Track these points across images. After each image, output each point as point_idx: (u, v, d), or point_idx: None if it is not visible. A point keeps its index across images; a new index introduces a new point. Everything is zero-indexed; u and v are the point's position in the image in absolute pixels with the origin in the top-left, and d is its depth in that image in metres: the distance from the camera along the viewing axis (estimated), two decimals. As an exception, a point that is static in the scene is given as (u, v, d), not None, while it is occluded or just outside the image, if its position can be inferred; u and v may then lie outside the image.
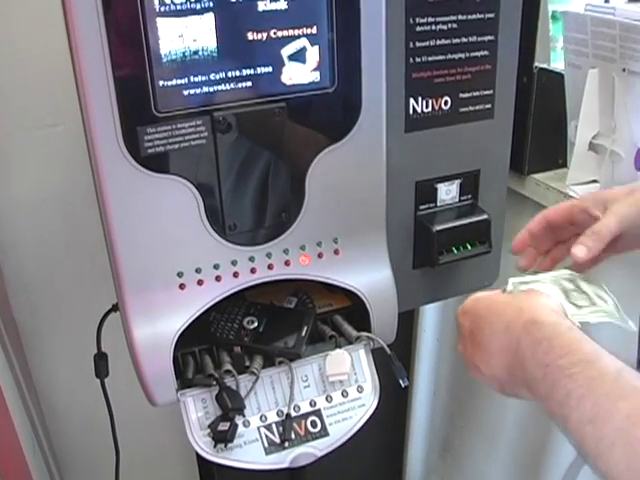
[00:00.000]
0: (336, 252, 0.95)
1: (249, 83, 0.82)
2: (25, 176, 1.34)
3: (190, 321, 0.89)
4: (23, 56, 1.24)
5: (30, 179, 1.34)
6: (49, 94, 1.26)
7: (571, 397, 0.54)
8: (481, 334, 0.69)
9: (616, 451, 0.50)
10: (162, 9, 0.75)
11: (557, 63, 1.26)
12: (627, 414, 0.50)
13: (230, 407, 0.89)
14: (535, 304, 0.66)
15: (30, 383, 1.49)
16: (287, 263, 0.93)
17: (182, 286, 0.88)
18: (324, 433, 0.94)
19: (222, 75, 0.80)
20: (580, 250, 0.75)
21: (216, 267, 0.89)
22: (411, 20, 0.95)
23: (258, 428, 0.92)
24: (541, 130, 1.24)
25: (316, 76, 0.85)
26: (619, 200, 0.78)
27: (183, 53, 0.77)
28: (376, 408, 0.97)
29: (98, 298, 1.08)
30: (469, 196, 1.11)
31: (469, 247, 1.09)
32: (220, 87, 0.80)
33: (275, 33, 0.81)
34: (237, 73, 0.81)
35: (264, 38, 0.80)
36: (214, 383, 0.90)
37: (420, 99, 1.00)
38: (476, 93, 1.04)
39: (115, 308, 1.01)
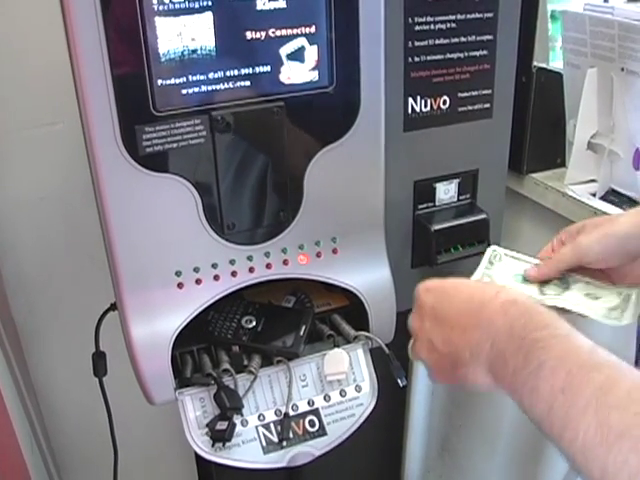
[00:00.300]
0: (334, 251, 0.95)
1: (248, 82, 0.82)
2: (24, 175, 1.33)
3: (188, 320, 0.89)
4: (22, 55, 1.24)
5: (29, 178, 1.34)
6: (48, 93, 1.26)
7: (544, 367, 0.55)
8: (446, 309, 0.68)
9: (587, 417, 0.50)
10: (160, 8, 0.75)
11: (556, 63, 1.26)
12: (600, 384, 0.51)
13: (228, 406, 0.89)
14: (513, 291, 0.67)
15: (28, 382, 1.49)
16: (285, 262, 0.93)
17: (180, 285, 0.88)
18: (322, 432, 0.94)
19: (221, 74, 0.80)
20: (532, 270, 0.84)
21: (214, 266, 0.89)
22: (410, 19, 0.95)
23: (256, 427, 0.92)
24: (540, 129, 1.24)
25: (315, 75, 0.85)
26: (585, 231, 0.82)
27: (182, 52, 0.77)
28: (374, 407, 0.97)
29: (96, 297, 1.08)
30: (467, 195, 1.12)
31: (467, 247, 1.09)
32: (219, 86, 0.80)
33: (274, 32, 0.81)
34: (235, 72, 0.81)
35: (263, 37, 0.80)
36: (212, 382, 0.90)
37: (419, 98, 1.00)
38: (475, 92, 1.04)
39: (113, 307, 1.01)
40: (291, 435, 0.93)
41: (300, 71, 0.84)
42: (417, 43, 0.96)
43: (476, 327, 0.64)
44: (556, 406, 0.53)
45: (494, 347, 0.61)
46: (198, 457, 0.92)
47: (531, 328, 0.58)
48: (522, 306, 0.62)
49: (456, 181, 1.09)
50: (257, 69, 0.82)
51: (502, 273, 0.87)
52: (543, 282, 0.84)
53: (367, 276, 0.98)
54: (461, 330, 0.65)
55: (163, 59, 0.77)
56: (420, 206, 1.08)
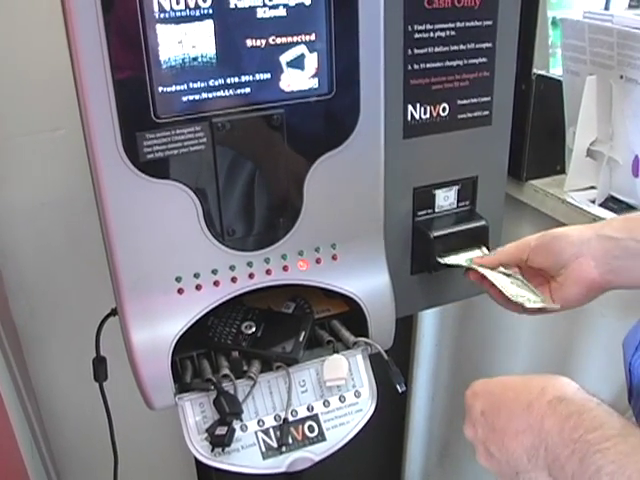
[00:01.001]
0: (334, 258, 0.96)
1: (248, 89, 0.82)
2: (25, 180, 1.34)
3: (188, 326, 0.89)
4: (23, 61, 1.25)
5: (30, 183, 1.34)
6: (49, 99, 1.27)
7: (602, 473, 0.52)
8: (496, 414, 0.66)
9: None
10: (162, 16, 0.75)
11: (557, 69, 1.27)
12: None
13: (228, 411, 0.89)
14: (559, 383, 0.63)
15: (29, 386, 1.49)
16: (285, 268, 0.93)
17: (180, 291, 0.88)
18: (321, 438, 0.94)
19: (221, 81, 0.80)
20: (477, 257, 1.01)
21: (214, 272, 0.89)
22: (409, 27, 0.95)
23: (255, 432, 0.92)
24: (539, 136, 1.25)
25: (314, 83, 0.85)
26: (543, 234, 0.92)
27: (182, 59, 0.78)
28: (374, 413, 0.97)
29: (97, 302, 1.08)
30: (467, 202, 1.12)
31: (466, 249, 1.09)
32: (219, 93, 0.81)
33: (274, 40, 0.81)
34: (236, 79, 0.81)
35: (263, 45, 0.81)
36: (212, 387, 0.90)
37: (418, 106, 1.00)
38: (474, 100, 1.04)
39: (114, 312, 1.02)
40: (290, 440, 0.93)
41: (300, 78, 0.84)
42: (416, 51, 0.97)
43: (527, 431, 0.61)
44: None
45: (549, 451, 0.58)
46: (198, 462, 0.92)
47: (582, 430, 0.56)
48: (571, 404, 0.59)
49: (455, 188, 1.10)
50: (257, 76, 0.82)
51: (461, 257, 1.05)
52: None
53: (367, 282, 0.98)
54: (513, 435, 0.62)
55: (164, 66, 0.77)
56: (419, 213, 1.08)
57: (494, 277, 0.95)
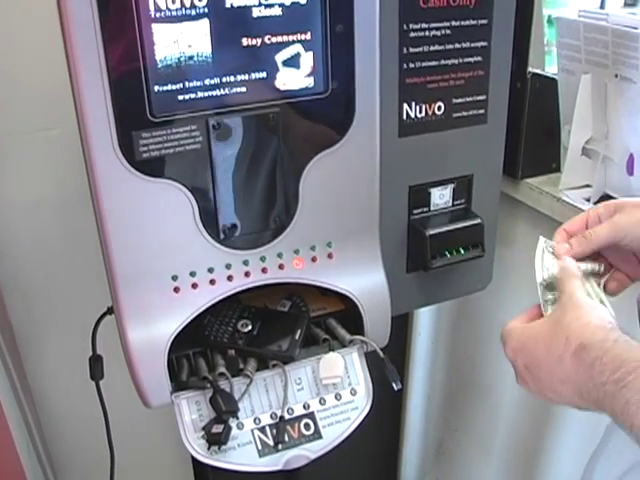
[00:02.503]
0: (330, 256, 0.96)
1: (243, 88, 0.83)
2: (21, 179, 1.34)
3: (185, 324, 0.90)
4: (19, 60, 1.24)
5: (26, 182, 1.34)
6: (45, 98, 1.27)
7: (630, 404, 0.56)
8: (538, 370, 0.69)
9: None
10: (157, 15, 0.75)
11: (553, 67, 1.27)
12: None
13: (224, 410, 0.90)
14: (579, 327, 0.65)
15: (25, 385, 1.49)
16: (281, 267, 0.94)
17: (177, 289, 0.89)
18: (317, 436, 0.95)
19: (217, 80, 0.81)
20: (562, 247, 0.78)
21: (210, 270, 0.90)
22: (405, 26, 0.95)
23: (252, 430, 0.93)
24: (535, 135, 1.25)
25: (310, 82, 0.86)
26: (625, 211, 0.78)
27: (178, 59, 0.78)
28: (370, 411, 0.97)
29: (94, 301, 1.09)
30: (462, 200, 1.12)
31: (462, 251, 1.09)
32: (215, 92, 0.81)
33: (269, 39, 0.81)
34: (232, 78, 0.81)
35: (258, 44, 0.81)
36: (208, 386, 0.91)
37: (414, 104, 1.00)
38: (469, 98, 1.04)
39: (110, 311, 1.02)
40: (287, 438, 0.93)
41: (296, 77, 0.85)
42: (412, 49, 0.97)
43: (567, 380, 0.65)
44: None
45: (590, 395, 0.62)
46: (194, 460, 0.93)
47: (608, 372, 0.59)
48: (591, 350, 0.62)
49: (451, 186, 1.10)
50: (253, 75, 0.82)
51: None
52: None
53: (362, 280, 0.99)
54: (559, 384, 0.66)
55: (160, 65, 0.77)
56: (415, 211, 1.09)
57: None
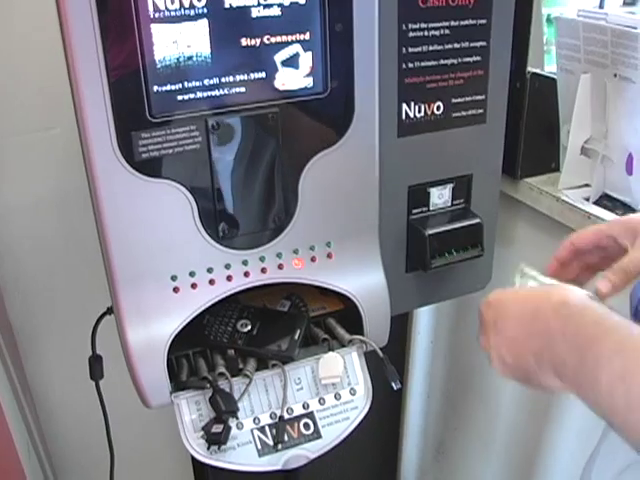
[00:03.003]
0: (329, 256, 0.96)
1: (243, 89, 0.83)
2: (20, 179, 1.34)
3: (184, 324, 0.90)
4: (18, 59, 1.25)
5: (25, 182, 1.34)
6: (44, 97, 1.27)
7: (601, 359, 0.55)
8: (507, 322, 0.69)
9: None
10: (156, 15, 0.75)
11: (552, 66, 1.27)
12: None
13: (223, 409, 0.90)
14: (563, 290, 0.66)
15: (25, 385, 1.49)
16: (280, 267, 0.94)
17: (176, 289, 0.89)
18: (317, 435, 0.95)
19: (216, 81, 0.81)
20: (605, 286, 0.73)
21: (210, 271, 0.90)
22: (404, 26, 0.95)
23: (251, 430, 0.93)
24: (534, 134, 1.25)
25: (309, 82, 0.86)
26: None
27: (177, 59, 0.78)
28: (369, 411, 0.98)
29: (93, 300, 1.09)
30: (461, 200, 1.12)
31: (461, 251, 1.09)
32: (214, 92, 0.81)
33: (268, 39, 0.82)
34: (231, 79, 0.82)
35: (257, 44, 0.81)
36: (208, 386, 0.91)
37: (413, 104, 1.00)
38: (468, 98, 1.04)
39: (110, 311, 1.02)
40: (286, 438, 0.93)
41: (295, 77, 0.85)
42: (411, 49, 0.97)
43: (534, 334, 0.64)
44: (616, 395, 0.53)
45: (553, 351, 0.62)
46: (194, 460, 0.93)
47: (584, 326, 0.59)
48: (575, 306, 0.62)
49: (450, 186, 1.10)
50: (252, 75, 0.83)
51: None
52: None
53: (362, 280, 0.99)
54: (522, 340, 0.66)
55: (159, 65, 0.77)
56: (414, 211, 1.09)
57: None
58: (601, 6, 1.36)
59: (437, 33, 0.98)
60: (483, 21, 1.00)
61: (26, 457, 1.35)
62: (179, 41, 0.77)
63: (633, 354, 0.53)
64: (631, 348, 0.54)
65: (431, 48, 0.98)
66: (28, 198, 1.35)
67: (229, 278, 0.91)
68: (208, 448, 0.90)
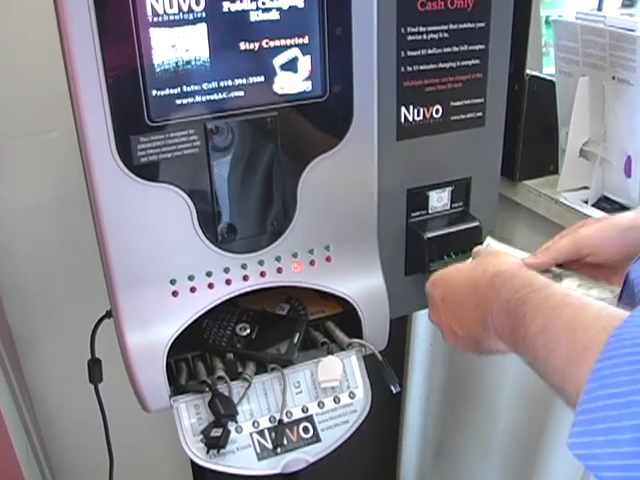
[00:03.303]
0: (328, 259, 0.96)
1: (241, 93, 0.83)
2: (19, 182, 1.34)
3: (183, 328, 0.90)
4: (17, 62, 1.24)
5: (24, 185, 1.34)
6: (43, 100, 1.27)
7: (526, 317, 0.59)
8: (453, 298, 0.75)
9: (561, 345, 0.53)
10: (155, 19, 0.75)
11: (550, 68, 1.27)
12: (571, 315, 0.54)
13: (223, 413, 0.90)
14: (498, 260, 0.73)
15: (24, 389, 1.49)
16: (279, 270, 0.94)
17: (175, 293, 0.89)
18: (316, 439, 0.95)
19: (214, 85, 0.81)
20: (530, 258, 0.81)
21: (209, 274, 0.90)
22: (402, 29, 0.95)
23: (251, 434, 0.93)
24: (532, 137, 1.25)
25: (308, 85, 0.86)
26: (586, 224, 0.81)
27: (176, 63, 0.78)
28: (368, 414, 0.97)
29: (92, 304, 1.08)
30: (460, 203, 1.12)
31: (461, 254, 1.09)
32: (213, 97, 0.81)
33: (267, 43, 0.82)
34: (229, 83, 0.81)
35: (256, 48, 0.81)
36: (207, 389, 0.91)
37: (411, 107, 1.01)
38: (467, 101, 1.04)
39: (109, 314, 1.02)
40: (285, 442, 0.93)
41: (293, 81, 0.85)
42: (410, 53, 0.97)
43: (477, 305, 0.70)
44: (539, 346, 0.57)
45: (494, 317, 0.66)
46: (193, 464, 0.93)
47: (513, 291, 0.63)
48: (505, 274, 0.68)
49: (449, 189, 1.10)
50: (251, 79, 0.83)
51: None
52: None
53: (361, 284, 0.99)
54: (468, 311, 0.72)
55: (157, 70, 0.77)
56: (413, 214, 1.09)
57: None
58: (599, 8, 1.36)
59: (436, 36, 0.98)
60: (482, 24, 1.01)
61: (25, 460, 1.35)
62: (178, 45, 0.77)
63: (551, 311, 0.57)
64: (550, 305, 0.58)
65: (430, 51, 0.98)
66: (27, 201, 1.35)
67: (228, 282, 0.91)
68: (207, 452, 0.90)
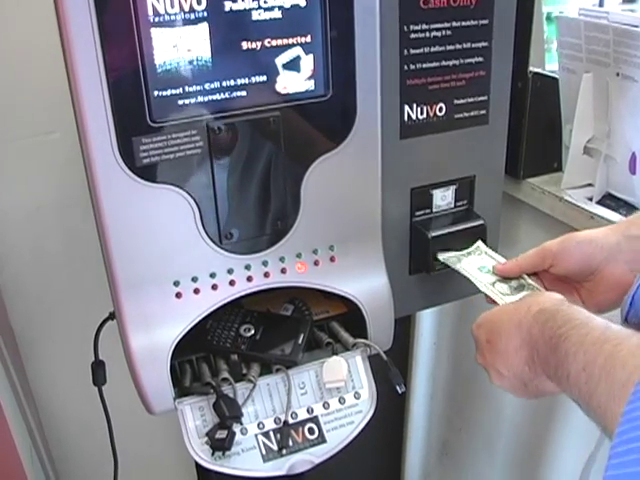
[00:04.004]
0: (332, 259, 0.96)
1: (244, 92, 0.82)
2: (20, 184, 1.34)
3: (187, 330, 0.89)
4: (18, 63, 1.24)
5: (25, 187, 1.34)
6: (44, 102, 1.26)
7: (569, 354, 0.60)
8: (497, 339, 0.74)
9: (601, 383, 0.54)
10: (156, 19, 0.75)
11: (552, 64, 1.26)
12: (609, 352, 0.55)
13: (227, 415, 0.89)
14: (542, 298, 0.72)
15: (28, 391, 1.49)
16: (283, 271, 0.93)
17: (179, 295, 0.88)
18: (322, 440, 0.94)
19: (217, 85, 0.80)
20: (499, 265, 0.94)
21: (212, 276, 0.89)
22: (405, 27, 0.95)
23: (256, 435, 0.92)
24: (536, 134, 1.24)
25: (311, 85, 0.85)
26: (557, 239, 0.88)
27: (177, 63, 0.77)
28: (373, 413, 0.97)
29: (95, 306, 1.08)
30: (464, 202, 1.12)
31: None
32: (215, 97, 0.81)
33: (269, 42, 0.81)
34: (232, 82, 0.81)
35: (258, 47, 0.81)
36: (211, 391, 0.90)
37: (415, 106, 1.00)
38: (471, 99, 1.04)
39: (112, 316, 1.01)
40: (291, 443, 0.93)
41: (296, 80, 0.84)
42: (412, 51, 0.96)
43: (522, 345, 0.70)
44: (581, 384, 0.57)
45: (540, 355, 0.67)
46: (198, 466, 0.92)
47: (556, 327, 0.64)
48: (548, 311, 0.67)
49: (453, 187, 1.09)
50: (253, 79, 0.82)
51: (471, 263, 0.99)
52: (502, 279, 0.92)
53: (365, 283, 0.98)
54: (513, 352, 0.71)
55: (159, 70, 0.77)
56: (417, 213, 1.08)
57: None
58: (601, 4, 1.35)
59: (439, 34, 0.97)
60: (485, 21, 1.00)
61: (29, 462, 1.35)
62: (179, 45, 0.77)
63: (592, 347, 0.57)
64: (590, 342, 0.58)
65: (433, 49, 0.98)
66: (29, 203, 1.35)
67: (232, 283, 0.91)
68: (212, 454, 0.89)
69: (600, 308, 0.86)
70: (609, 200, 1.19)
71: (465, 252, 1.03)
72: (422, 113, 1.01)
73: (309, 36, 0.83)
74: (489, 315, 0.78)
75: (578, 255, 0.86)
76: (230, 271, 0.90)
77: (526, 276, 0.91)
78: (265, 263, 0.92)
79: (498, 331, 0.74)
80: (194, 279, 0.88)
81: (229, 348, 0.94)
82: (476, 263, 0.99)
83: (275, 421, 0.93)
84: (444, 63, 0.99)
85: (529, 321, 0.69)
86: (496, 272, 0.94)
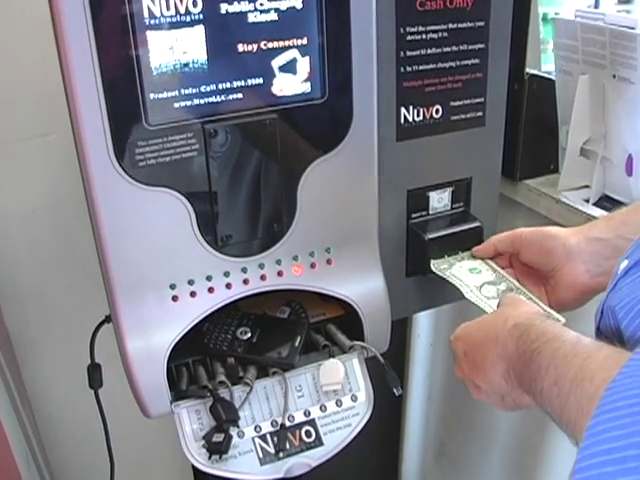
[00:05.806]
0: (329, 262, 0.95)
1: (240, 95, 0.82)
2: (16, 186, 1.33)
3: (183, 333, 0.89)
4: (13, 65, 1.24)
5: (21, 189, 1.34)
6: (39, 104, 1.26)
7: (541, 369, 0.60)
8: (475, 352, 0.74)
9: (570, 397, 0.54)
10: (152, 22, 0.75)
11: (548, 65, 1.26)
12: (579, 366, 0.55)
13: (224, 418, 0.89)
14: (516, 311, 0.73)
15: (23, 394, 1.48)
16: (280, 274, 0.93)
17: (175, 298, 0.88)
18: (319, 443, 0.94)
19: (213, 87, 0.80)
20: (476, 249, 1.00)
21: (209, 279, 0.89)
22: (401, 29, 0.95)
23: (252, 439, 0.92)
24: (533, 136, 1.24)
25: (307, 87, 0.85)
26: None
27: (173, 66, 0.77)
28: (370, 416, 0.97)
29: (91, 308, 1.08)
30: (461, 204, 1.11)
31: (461, 253, 1.08)
32: (211, 99, 0.81)
33: (265, 44, 0.81)
34: (228, 85, 0.81)
35: (254, 50, 0.81)
36: (208, 394, 0.90)
37: (411, 108, 1.00)
38: (467, 101, 1.04)
39: (108, 319, 1.01)
40: (288, 446, 0.92)
41: (292, 83, 0.84)
42: (409, 53, 0.96)
43: (500, 359, 0.69)
44: (553, 398, 0.57)
45: (515, 370, 0.67)
46: (195, 469, 0.92)
47: (529, 342, 0.64)
48: (522, 326, 0.68)
49: (449, 189, 1.09)
50: (249, 81, 0.82)
51: (464, 266, 1.01)
52: (490, 282, 0.94)
53: (361, 286, 0.98)
54: (490, 366, 0.71)
55: (155, 73, 0.77)
56: (414, 215, 1.08)
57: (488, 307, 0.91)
58: (596, 6, 1.35)
59: (435, 36, 0.97)
60: (481, 23, 1.00)
61: (25, 466, 1.34)
62: (175, 48, 0.77)
63: (563, 361, 0.57)
64: (561, 356, 0.58)
65: (429, 51, 0.97)
66: (25, 205, 1.34)
67: (228, 286, 0.90)
68: (209, 457, 0.89)
69: (561, 305, 0.89)
70: (606, 202, 1.19)
71: (459, 256, 1.04)
72: (419, 115, 1.01)
73: (305, 38, 0.83)
74: (467, 328, 0.79)
75: (539, 247, 0.90)
76: (226, 274, 0.90)
77: (514, 280, 0.93)
78: (262, 266, 0.91)
79: (476, 345, 0.74)
80: (190, 282, 0.88)
81: (226, 351, 0.94)
82: (468, 265, 1.00)
83: (272, 424, 0.93)
84: (440, 65, 0.99)
85: (505, 336, 0.69)
86: (473, 254, 1.00)
